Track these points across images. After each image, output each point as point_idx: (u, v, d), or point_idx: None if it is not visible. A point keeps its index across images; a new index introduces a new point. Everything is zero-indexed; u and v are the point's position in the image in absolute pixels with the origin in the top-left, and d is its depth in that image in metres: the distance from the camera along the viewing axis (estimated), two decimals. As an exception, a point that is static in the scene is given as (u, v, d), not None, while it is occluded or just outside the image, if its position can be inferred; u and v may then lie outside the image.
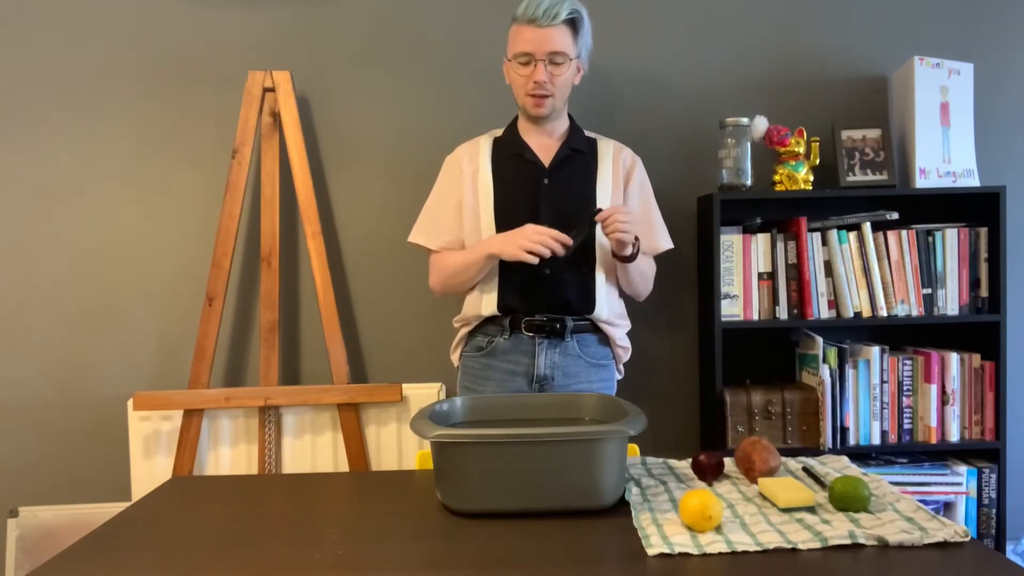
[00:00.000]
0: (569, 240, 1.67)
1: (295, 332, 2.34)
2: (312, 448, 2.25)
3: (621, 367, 1.95)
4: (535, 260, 1.66)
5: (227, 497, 1.32)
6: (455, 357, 1.96)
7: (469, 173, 1.86)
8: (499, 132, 1.93)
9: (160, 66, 2.29)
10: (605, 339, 1.87)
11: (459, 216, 1.86)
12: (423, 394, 2.25)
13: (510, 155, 1.85)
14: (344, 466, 2.25)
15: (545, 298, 1.79)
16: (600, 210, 1.71)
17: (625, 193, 1.88)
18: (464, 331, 1.90)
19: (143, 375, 2.32)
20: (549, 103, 1.78)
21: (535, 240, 1.65)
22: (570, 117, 1.91)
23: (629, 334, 1.93)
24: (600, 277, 1.82)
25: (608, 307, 1.83)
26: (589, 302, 1.81)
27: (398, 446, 2.26)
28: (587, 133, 1.92)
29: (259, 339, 2.23)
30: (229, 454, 2.24)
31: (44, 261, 2.29)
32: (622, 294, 1.92)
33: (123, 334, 2.31)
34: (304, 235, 2.28)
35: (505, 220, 1.79)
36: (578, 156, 1.85)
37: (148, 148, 2.30)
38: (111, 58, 2.28)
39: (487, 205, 1.81)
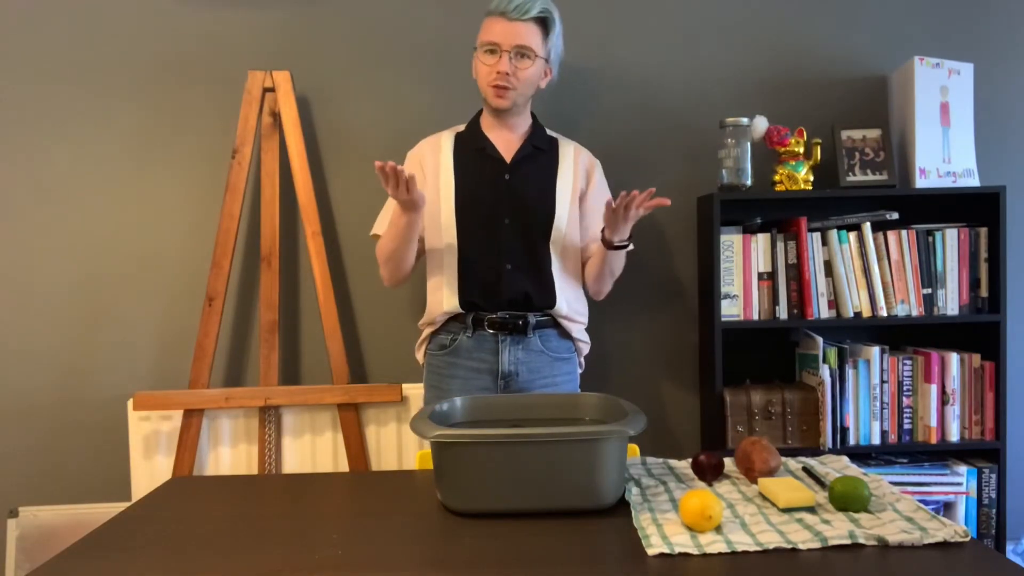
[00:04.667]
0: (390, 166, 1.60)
1: (295, 332, 2.34)
2: (312, 448, 2.25)
3: (582, 360, 1.98)
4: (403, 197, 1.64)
5: (227, 497, 1.32)
6: (419, 355, 1.97)
7: (431, 167, 1.88)
8: (462, 128, 1.94)
9: (160, 66, 2.29)
10: (566, 333, 1.90)
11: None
12: (423, 394, 2.25)
13: (471, 149, 1.87)
14: (344, 466, 2.25)
15: (506, 293, 1.81)
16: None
17: (586, 193, 1.91)
18: (428, 330, 1.91)
19: (143, 375, 2.32)
20: (511, 95, 1.79)
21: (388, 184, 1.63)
22: (533, 116, 1.93)
23: (589, 330, 1.97)
24: (556, 273, 1.85)
25: (567, 302, 1.86)
26: (549, 296, 1.84)
27: (398, 446, 2.26)
28: (549, 132, 1.94)
29: (259, 339, 2.23)
30: (229, 454, 2.24)
31: (44, 261, 2.29)
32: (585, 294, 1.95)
33: (123, 334, 2.31)
34: (304, 235, 2.28)
35: (465, 214, 1.81)
36: (539, 154, 1.88)
37: (148, 148, 2.30)
38: (111, 58, 2.28)
39: (448, 199, 1.82)
